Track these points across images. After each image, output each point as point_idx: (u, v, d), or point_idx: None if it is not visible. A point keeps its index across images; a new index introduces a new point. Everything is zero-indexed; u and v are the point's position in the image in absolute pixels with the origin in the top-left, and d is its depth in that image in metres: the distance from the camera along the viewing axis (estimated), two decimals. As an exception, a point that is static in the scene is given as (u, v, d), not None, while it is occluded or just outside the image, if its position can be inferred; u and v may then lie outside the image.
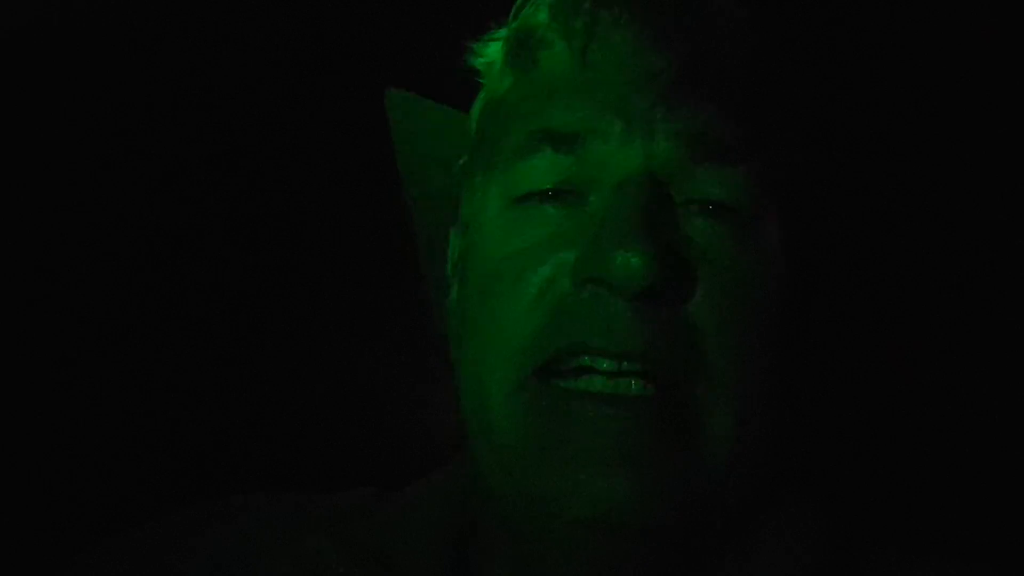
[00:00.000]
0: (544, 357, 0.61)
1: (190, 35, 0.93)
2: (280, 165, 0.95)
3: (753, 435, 0.62)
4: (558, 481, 0.60)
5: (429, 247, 0.78)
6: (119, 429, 0.90)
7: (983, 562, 0.67)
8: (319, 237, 0.96)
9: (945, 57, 0.87)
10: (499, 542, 0.66)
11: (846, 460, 0.84)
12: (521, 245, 0.63)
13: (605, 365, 0.60)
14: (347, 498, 0.73)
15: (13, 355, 0.88)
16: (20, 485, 0.86)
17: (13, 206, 0.89)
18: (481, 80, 0.72)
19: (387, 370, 0.91)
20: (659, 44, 0.63)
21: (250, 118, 0.94)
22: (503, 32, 0.71)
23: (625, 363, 0.60)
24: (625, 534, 0.60)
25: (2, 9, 0.87)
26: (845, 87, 0.81)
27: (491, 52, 0.71)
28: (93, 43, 0.91)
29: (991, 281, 0.88)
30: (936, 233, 0.88)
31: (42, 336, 0.90)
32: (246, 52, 0.93)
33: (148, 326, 0.93)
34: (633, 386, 0.61)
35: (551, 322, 0.61)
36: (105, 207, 0.93)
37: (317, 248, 0.96)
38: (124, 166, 0.93)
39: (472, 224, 0.68)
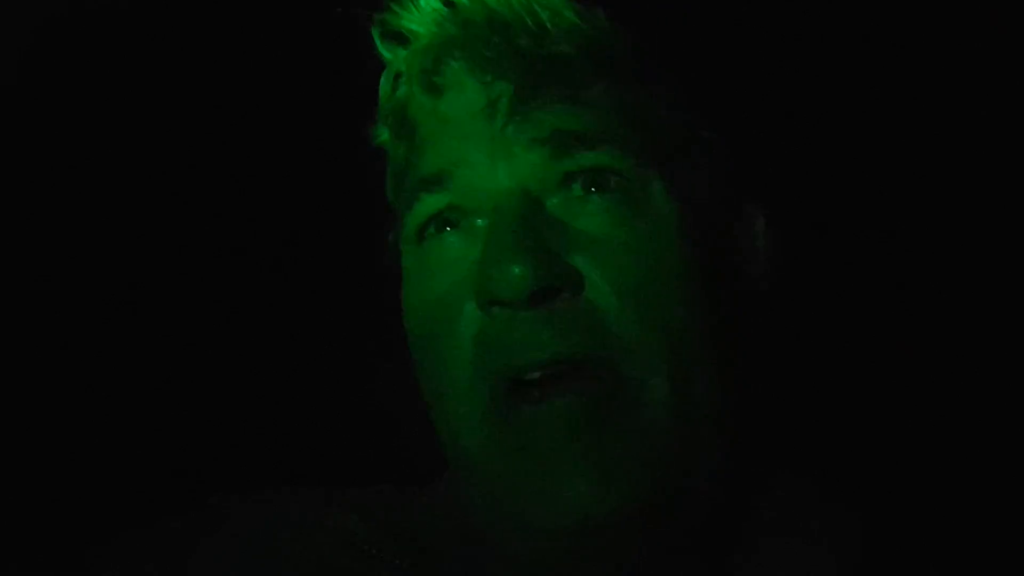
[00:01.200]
0: (487, 389, 0.65)
1: (190, 36, 0.95)
2: (286, 166, 0.97)
3: (692, 394, 0.65)
4: (528, 495, 0.63)
5: None
6: (128, 438, 0.94)
7: None
8: (324, 237, 0.98)
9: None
10: (492, 551, 0.69)
11: (866, 458, 0.84)
12: (436, 290, 0.68)
13: (536, 375, 0.64)
14: (373, 491, 0.76)
15: (30, 358, 0.92)
16: (42, 481, 0.90)
17: (13, 206, 0.91)
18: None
19: (399, 371, 0.92)
20: (498, 72, 0.67)
21: (250, 117, 0.96)
22: (381, 110, 0.75)
23: (551, 369, 0.64)
24: (599, 533, 0.63)
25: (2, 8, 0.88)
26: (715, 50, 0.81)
27: (383, 131, 0.75)
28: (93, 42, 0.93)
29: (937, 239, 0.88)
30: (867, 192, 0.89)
31: (57, 338, 0.93)
32: (245, 53, 0.96)
33: (162, 330, 0.96)
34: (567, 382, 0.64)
35: (478, 354, 0.65)
36: (109, 209, 0.96)
37: (322, 248, 0.98)
38: (126, 167, 0.96)
39: (403, 284, 0.73)
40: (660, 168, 0.67)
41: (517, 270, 0.62)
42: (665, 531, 0.65)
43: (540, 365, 0.63)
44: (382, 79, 0.74)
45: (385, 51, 0.73)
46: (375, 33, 0.72)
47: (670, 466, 0.64)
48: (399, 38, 0.72)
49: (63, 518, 0.88)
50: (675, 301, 0.65)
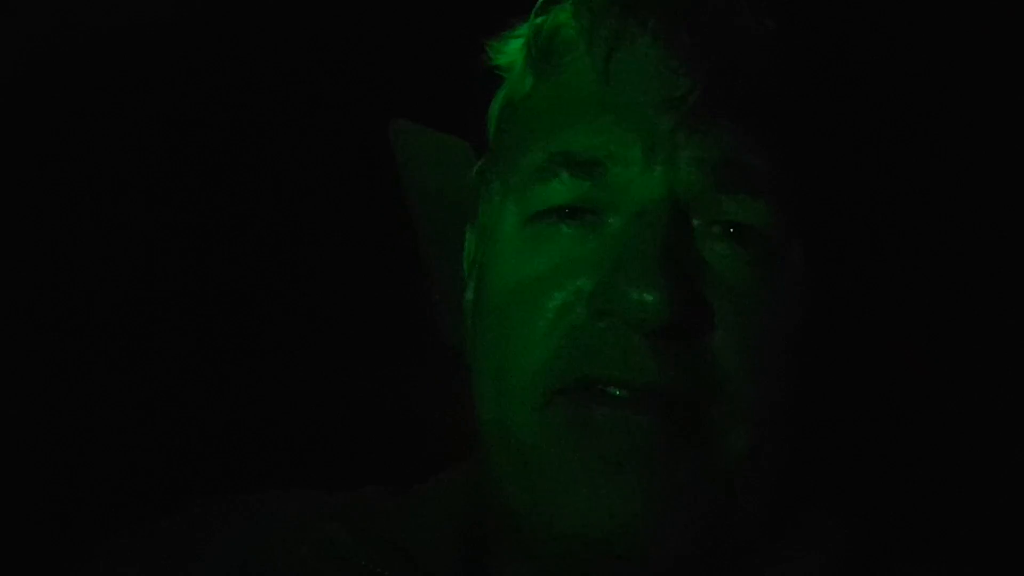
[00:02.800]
0: (560, 384, 0.60)
1: (197, 39, 0.93)
2: (296, 166, 0.95)
3: (768, 457, 0.62)
4: (575, 498, 0.59)
5: (437, 249, 0.78)
6: (136, 432, 0.91)
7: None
8: (333, 237, 0.96)
9: (986, 78, 0.85)
10: (510, 550, 0.66)
11: (868, 479, 0.82)
12: (538, 268, 0.62)
13: (618, 392, 0.59)
14: (361, 495, 0.73)
15: (35, 354, 0.89)
16: (42, 480, 0.87)
17: (13, 206, 0.89)
18: (502, 76, 0.70)
19: (396, 367, 0.91)
20: (684, 64, 0.61)
21: (254, 119, 0.94)
22: (524, 29, 0.68)
23: (640, 395, 0.59)
24: (637, 555, 0.59)
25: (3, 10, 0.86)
26: (879, 110, 0.78)
27: (511, 50, 0.69)
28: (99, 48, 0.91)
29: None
30: (971, 260, 0.87)
31: (64, 337, 0.91)
32: (248, 54, 0.93)
33: (168, 327, 0.94)
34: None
35: (565, 351, 0.61)
36: (112, 210, 0.93)
37: (329, 249, 0.96)
38: (129, 167, 0.93)
39: (488, 234, 0.67)
40: (807, 229, 0.62)
41: (654, 298, 0.57)
42: (702, 563, 0.62)
43: (632, 387, 0.59)
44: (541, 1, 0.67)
45: None
46: None
47: (722, 513, 0.61)
48: None
49: (49, 520, 0.85)
50: (791, 369, 0.62)
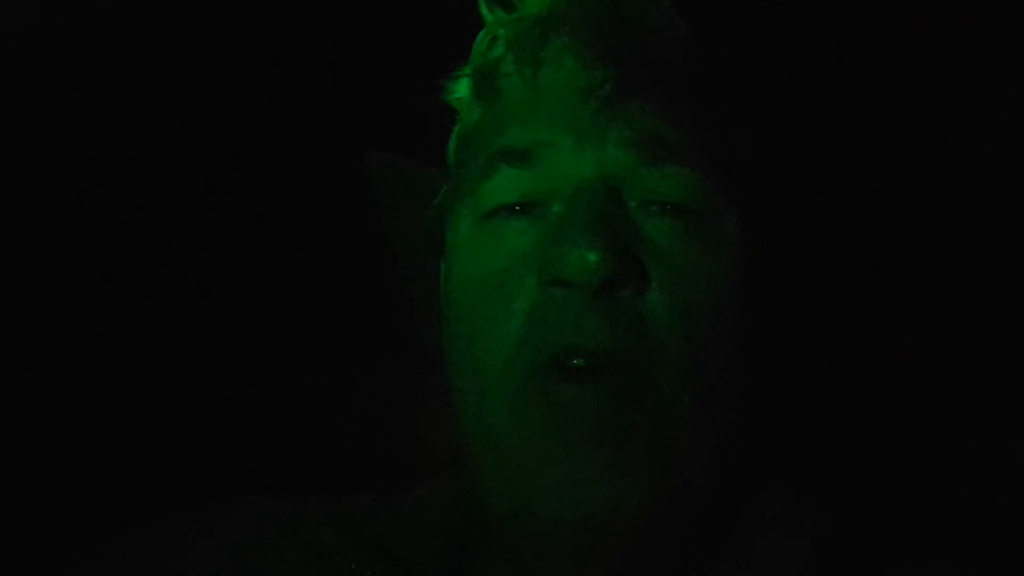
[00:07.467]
0: (526, 366, 0.64)
1: (187, 42, 0.95)
2: (286, 168, 0.97)
3: (714, 415, 0.65)
4: (548, 481, 0.63)
5: (416, 283, 0.80)
6: (121, 436, 0.92)
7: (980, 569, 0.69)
8: (320, 241, 0.97)
9: (904, 49, 0.88)
10: (493, 555, 0.69)
11: (841, 459, 0.85)
12: (494, 264, 0.67)
13: (576, 362, 0.64)
14: (350, 500, 0.76)
15: (27, 356, 0.91)
16: (29, 485, 0.88)
17: (12, 206, 0.91)
18: (456, 116, 0.75)
19: (385, 375, 0.92)
20: (603, 60, 0.67)
21: (250, 119, 0.96)
22: (468, 68, 0.74)
23: (594, 358, 0.63)
24: (607, 531, 0.63)
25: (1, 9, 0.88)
26: (802, 87, 0.84)
27: (461, 88, 0.75)
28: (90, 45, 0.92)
29: (962, 266, 0.89)
30: (903, 225, 0.90)
31: (52, 339, 0.92)
32: (244, 57, 0.95)
33: (155, 331, 0.95)
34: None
35: (528, 331, 0.65)
36: (110, 211, 0.95)
37: (317, 252, 0.97)
38: (125, 167, 0.95)
39: (450, 250, 0.72)
40: (737, 197, 0.67)
41: (593, 256, 0.62)
42: (664, 535, 0.65)
43: (585, 352, 0.63)
44: (478, 39, 0.74)
45: (487, 11, 0.73)
46: None
47: (682, 479, 0.64)
48: (503, 2, 0.73)
49: (41, 522, 0.87)
50: (726, 331, 0.66)
